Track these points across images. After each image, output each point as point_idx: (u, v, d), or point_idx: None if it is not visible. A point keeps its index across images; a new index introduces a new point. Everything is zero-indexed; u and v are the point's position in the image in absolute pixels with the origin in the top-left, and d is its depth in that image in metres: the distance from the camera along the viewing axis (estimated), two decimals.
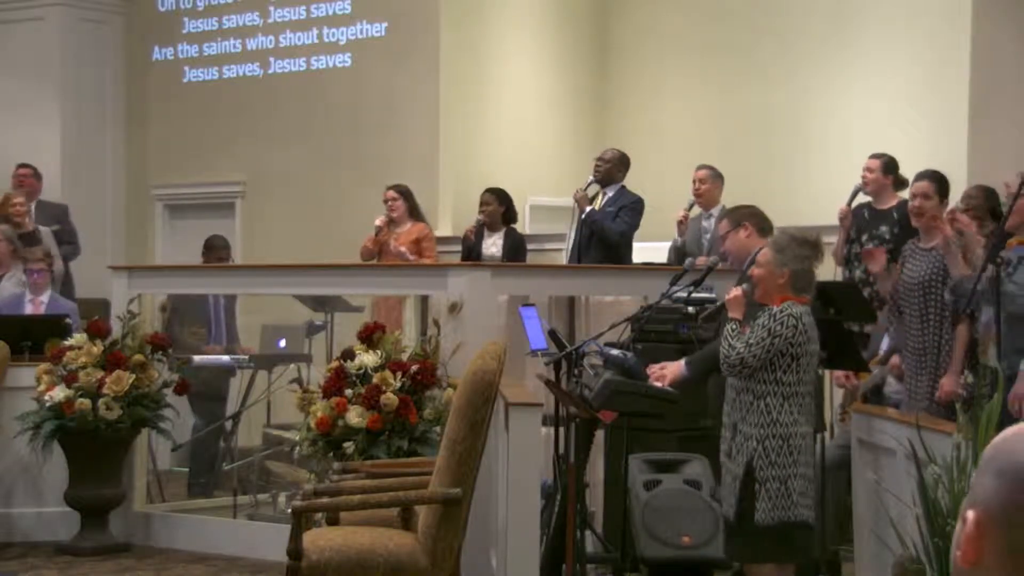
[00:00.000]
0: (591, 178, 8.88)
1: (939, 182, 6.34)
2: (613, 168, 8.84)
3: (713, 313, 5.58)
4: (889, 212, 7.84)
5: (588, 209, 8.68)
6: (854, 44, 10.46)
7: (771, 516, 5.13)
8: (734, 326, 5.26)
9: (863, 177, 7.88)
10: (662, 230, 8.83)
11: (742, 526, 5.20)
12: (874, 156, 7.97)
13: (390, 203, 9.26)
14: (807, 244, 5.34)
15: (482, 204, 9.25)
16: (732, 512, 5.23)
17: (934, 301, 6.06)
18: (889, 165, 7.91)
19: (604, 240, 8.63)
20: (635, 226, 8.76)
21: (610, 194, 8.80)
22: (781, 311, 5.18)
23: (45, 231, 9.75)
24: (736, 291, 5.39)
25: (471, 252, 9.14)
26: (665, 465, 6.42)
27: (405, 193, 9.31)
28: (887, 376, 6.73)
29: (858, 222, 7.88)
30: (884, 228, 7.82)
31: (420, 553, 5.07)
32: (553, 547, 5.81)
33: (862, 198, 7.96)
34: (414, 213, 9.32)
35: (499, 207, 9.20)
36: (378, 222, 9.21)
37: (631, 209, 8.74)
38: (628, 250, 8.78)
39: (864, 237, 7.86)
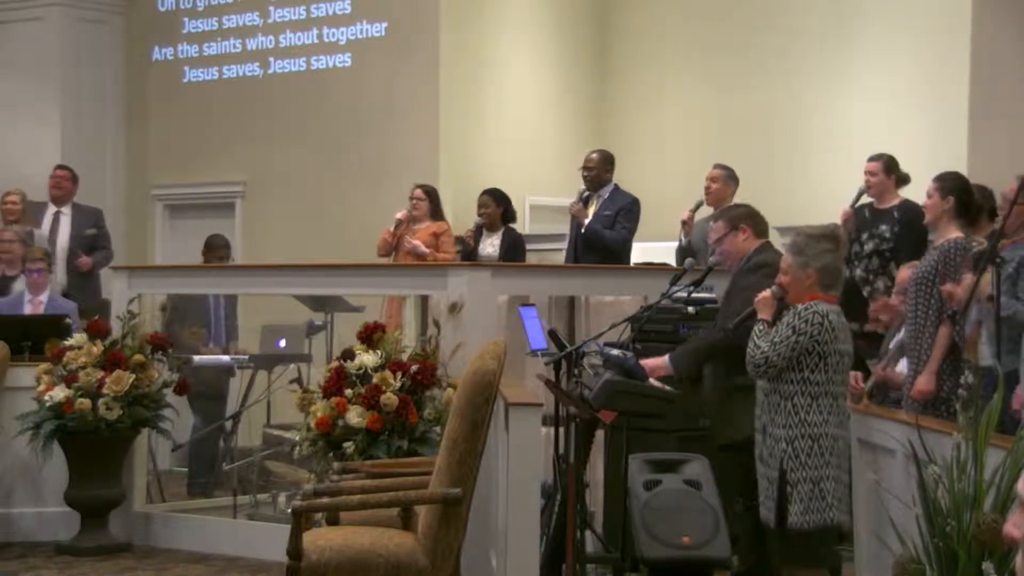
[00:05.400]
0: (582, 188, 8.85)
1: (940, 180, 6.28)
2: (600, 171, 8.83)
3: (745, 318, 5.52)
4: (890, 211, 7.87)
5: (587, 222, 8.67)
6: (854, 44, 10.46)
7: (805, 519, 5.06)
8: (762, 326, 5.22)
9: (867, 181, 7.92)
10: (663, 230, 8.83)
11: (779, 530, 5.13)
12: (873, 159, 7.98)
13: (415, 201, 9.21)
14: (825, 238, 5.30)
15: (480, 207, 9.23)
16: (771, 517, 5.16)
17: (924, 297, 6.03)
18: (889, 165, 7.95)
19: (605, 250, 8.61)
20: (634, 230, 8.75)
21: (604, 196, 8.79)
22: (806, 309, 5.13)
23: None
24: (766, 292, 5.34)
25: (470, 255, 9.13)
26: (665, 465, 6.40)
27: (431, 193, 9.29)
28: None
29: (859, 221, 7.91)
30: (884, 227, 7.85)
31: (420, 553, 5.07)
32: (553, 547, 5.80)
33: (865, 199, 8.00)
34: (436, 215, 9.28)
35: (497, 208, 9.18)
36: (399, 215, 9.16)
37: (628, 213, 8.72)
38: (628, 256, 8.77)
39: (864, 236, 7.90)
